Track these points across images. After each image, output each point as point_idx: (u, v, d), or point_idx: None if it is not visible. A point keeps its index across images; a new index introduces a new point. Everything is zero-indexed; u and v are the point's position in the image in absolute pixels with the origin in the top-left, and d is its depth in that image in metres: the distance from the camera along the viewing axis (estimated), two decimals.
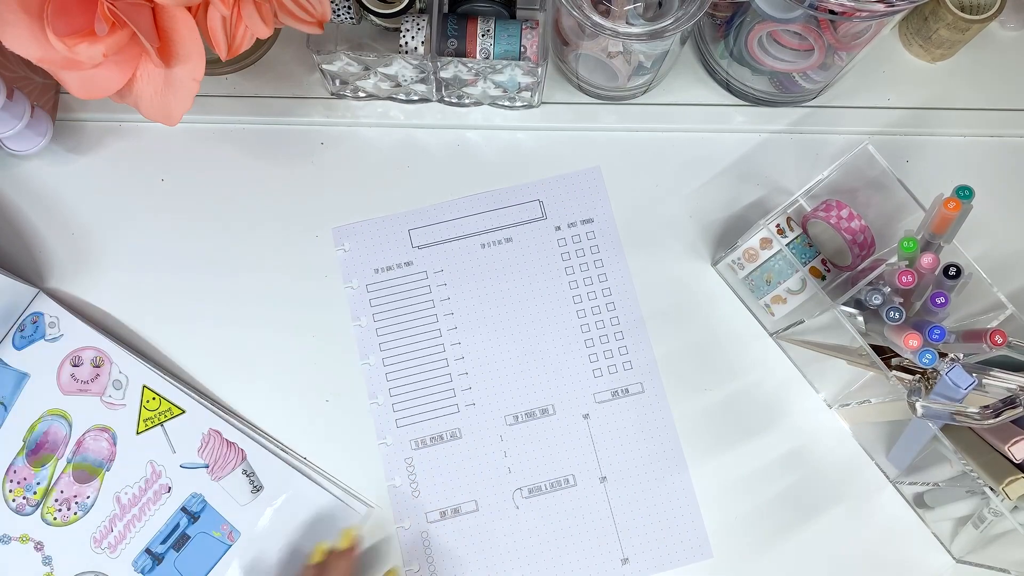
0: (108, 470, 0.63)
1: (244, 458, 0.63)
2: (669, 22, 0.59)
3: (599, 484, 0.65)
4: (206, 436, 0.64)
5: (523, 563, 0.63)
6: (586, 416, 0.66)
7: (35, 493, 0.63)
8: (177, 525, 0.62)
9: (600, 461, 0.65)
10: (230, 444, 0.63)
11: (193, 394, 0.64)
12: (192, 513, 0.63)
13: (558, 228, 0.69)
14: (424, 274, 0.68)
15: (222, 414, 0.64)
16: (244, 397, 0.65)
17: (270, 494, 0.63)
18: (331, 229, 0.68)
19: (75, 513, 0.63)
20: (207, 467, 0.63)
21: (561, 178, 0.70)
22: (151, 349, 0.66)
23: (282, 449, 0.64)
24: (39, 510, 0.63)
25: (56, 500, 0.63)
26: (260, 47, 0.71)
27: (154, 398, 0.64)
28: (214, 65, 0.69)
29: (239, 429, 0.64)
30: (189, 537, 0.62)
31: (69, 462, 0.63)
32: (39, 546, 0.62)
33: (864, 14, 0.56)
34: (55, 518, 0.62)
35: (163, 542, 0.62)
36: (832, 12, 0.57)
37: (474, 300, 0.67)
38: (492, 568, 0.63)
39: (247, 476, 0.63)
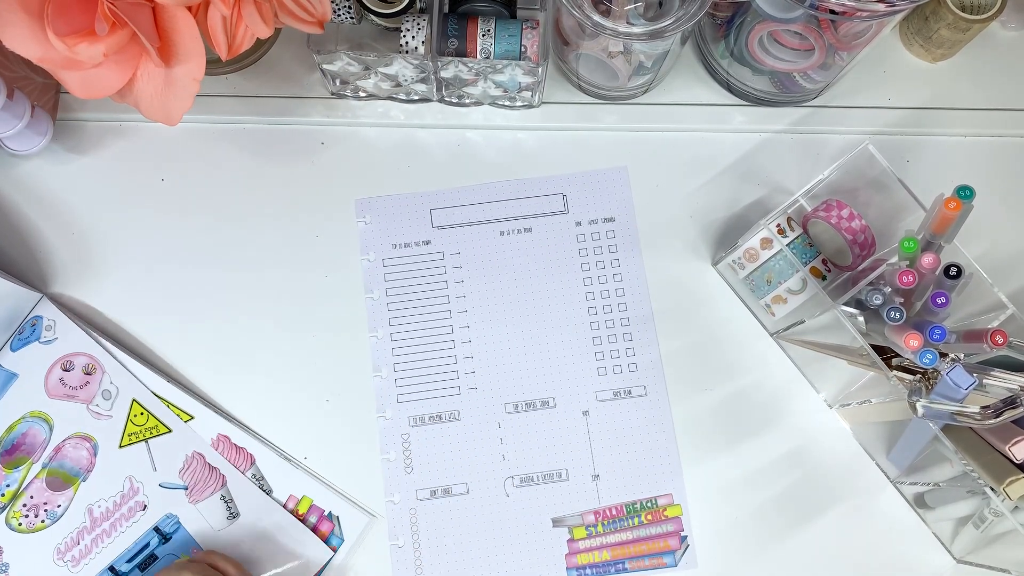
0: (84, 480, 0.61)
1: (224, 484, 0.62)
2: (669, 22, 0.59)
3: (591, 481, 0.65)
4: (189, 458, 0.62)
5: (509, 550, 0.63)
6: (586, 413, 0.66)
7: (3, 495, 0.61)
8: (147, 544, 0.61)
9: (595, 459, 0.65)
10: (212, 469, 0.62)
11: (182, 393, 0.64)
12: (164, 534, 0.61)
13: (579, 224, 0.69)
14: (441, 255, 0.68)
15: (203, 420, 0.63)
16: (244, 391, 0.65)
17: (246, 523, 0.62)
18: (354, 200, 0.69)
19: (42, 521, 0.61)
20: (186, 489, 0.62)
21: (587, 174, 0.70)
22: (149, 350, 0.66)
23: (284, 455, 0.64)
24: (4, 514, 0.60)
25: (24, 505, 0.61)
26: (260, 47, 0.71)
27: (142, 413, 0.63)
28: (214, 65, 0.69)
29: (221, 438, 0.63)
30: (157, 558, 0.61)
31: (44, 467, 0.61)
32: None
33: (865, 14, 0.56)
34: (20, 524, 0.60)
35: (129, 560, 0.61)
36: (833, 12, 0.56)
37: (487, 286, 0.68)
38: (477, 551, 0.63)
39: (225, 502, 0.62)
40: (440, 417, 0.66)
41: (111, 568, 0.60)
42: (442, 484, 0.64)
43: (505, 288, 0.68)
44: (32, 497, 0.61)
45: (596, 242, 0.69)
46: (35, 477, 0.61)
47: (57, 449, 0.62)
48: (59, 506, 0.61)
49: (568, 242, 0.69)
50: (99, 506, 0.61)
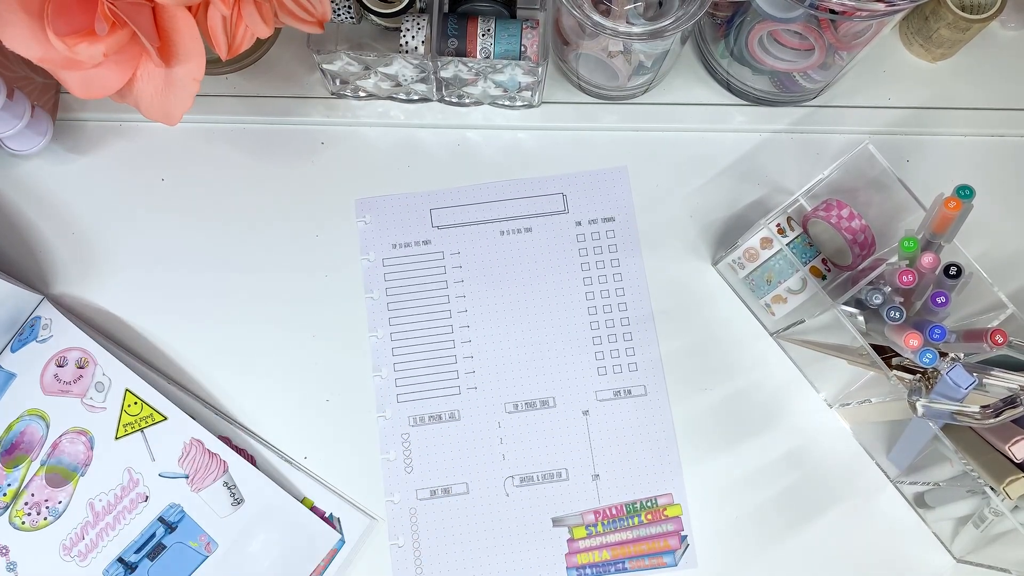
0: (83, 475, 0.61)
1: (226, 470, 0.62)
2: (669, 22, 0.59)
3: (591, 481, 0.65)
4: (187, 445, 0.62)
5: (509, 550, 0.63)
6: (586, 413, 0.66)
7: (4, 495, 0.61)
8: (153, 534, 0.61)
9: (595, 458, 0.65)
10: (212, 455, 0.62)
11: (183, 396, 0.64)
12: (169, 523, 0.61)
13: (579, 223, 0.69)
14: (441, 254, 0.68)
15: (205, 424, 0.63)
16: (244, 391, 0.65)
17: (251, 508, 0.61)
18: (354, 200, 0.69)
19: (45, 518, 0.60)
20: (187, 477, 0.61)
21: (587, 174, 0.70)
22: (149, 350, 0.66)
23: (285, 457, 0.64)
24: (7, 513, 0.60)
25: (26, 504, 0.60)
26: (260, 47, 0.71)
27: (136, 403, 0.62)
28: (214, 65, 0.69)
29: (222, 439, 0.63)
30: (165, 547, 0.61)
31: (43, 464, 0.61)
32: (3, 551, 0.60)
33: (865, 14, 0.56)
34: (23, 522, 0.60)
35: (137, 551, 0.60)
36: (833, 12, 0.57)
37: (487, 286, 0.68)
38: (477, 551, 0.63)
39: (228, 488, 0.62)
40: (440, 417, 0.66)
41: (120, 559, 0.60)
42: (442, 484, 0.64)
43: (505, 288, 0.68)
44: (33, 495, 0.61)
45: (596, 242, 0.69)
46: (35, 475, 0.61)
47: (54, 445, 0.62)
48: (60, 502, 0.61)
49: (568, 242, 0.69)
50: (100, 500, 0.61)
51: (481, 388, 0.66)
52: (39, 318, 0.65)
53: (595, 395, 0.66)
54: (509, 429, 0.65)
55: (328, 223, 0.69)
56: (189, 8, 0.52)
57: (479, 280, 0.68)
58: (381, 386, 0.66)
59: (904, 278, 0.53)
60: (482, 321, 0.67)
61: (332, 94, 0.71)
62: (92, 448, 0.62)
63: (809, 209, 0.65)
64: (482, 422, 0.66)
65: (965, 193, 0.52)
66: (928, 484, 0.63)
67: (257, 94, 0.71)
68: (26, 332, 0.64)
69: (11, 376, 0.63)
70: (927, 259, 0.53)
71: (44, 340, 0.63)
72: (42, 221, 0.68)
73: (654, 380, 0.67)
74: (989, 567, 0.62)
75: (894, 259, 0.59)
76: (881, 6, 0.55)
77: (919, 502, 0.65)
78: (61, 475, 0.61)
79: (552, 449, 0.65)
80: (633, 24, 0.60)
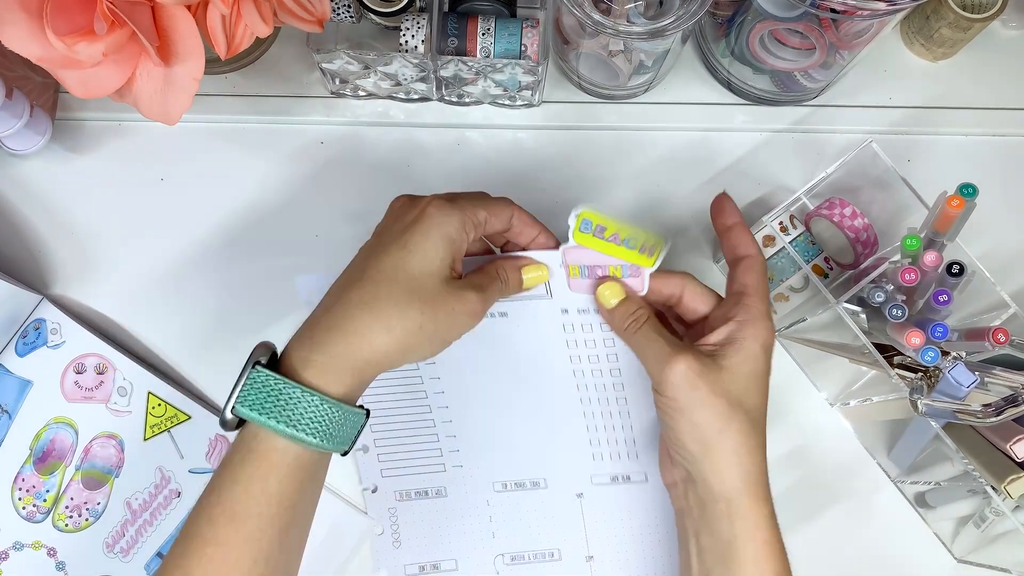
0: (117, 476, 0.63)
1: None
2: (670, 20, 0.59)
3: (585, 563, 0.63)
4: (213, 441, 0.63)
5: None
6: (580, 495, 0.63)
7: (45, 500, 0.62)
8: None
9: (589, 540, 0.63)
10: None
11: (192, 403, 0.64)
12: None
13: (565, 311, 0.58)
14: None
15: (207, 437, 0.63)
16: None
17: None
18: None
19: (87, 519, 0.62)
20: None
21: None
22: (150, 352, 0.66)
23: None
24: (50, 517, 0.62)
25: (67, 507, 0.62)
26: (260, 46, 0.71)
27: (159, 404, 0.64)
28: (213, 64, 0.69)
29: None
30: None
31: (78, 469, 0.63)
32: (52, 552, 0.62)
33: (866, 13, 0.56)
34: (67, 524, 0.62)
35: None
36: (834, 11, 0.56)
37: (464, 367, 0.62)
38: None
39: None
40: (426, 493, 0.63)
41: (159, 554, 0.62)
42: (431, 560, 0.62)
43: (484, 370, 0.61)
44: (72, 499, 0.63)
45: (586, 324, 0.59)
46: (71, 480, 0.63)
47: (86, 450, 0.63)
48: (99, 503, 0.63)
49: (552, 328, 0.59)
50: (136, 499, 0.63)
51: (467, 466, 0.63)
52: (43, 321, 0.64)
53: (590, 479, 0.63)
54: (499, 508, 0.63)
55: (328, 223, 0.69)
56: (188, 7, 0.52)
57: (454, 361, 0.61)
58: (365, 461, 0.64)
59: (906, 276, 0.53)
60: (460, 400, 0.62)
61: (332, 93, 0.70)
62: (123, 450, 0.63)
63: (812, 207, 0.65)
64: (470, 499, 0.63)
65: (968, 191, 0.52)
66: (929, 483, 0.63)
67: (257, 93, 0.70)
68: (31, 335, 0.64)
69: (27, 383, 0.64)
70: (929, 257, 0.53)
71: (56, 346, 0.64)
72: (41, 221, 0.68)
73: (656, 467, 0.59)
74: (989, 567, 0.62)
75: (896, 257, 0.59)
76: (882, 5, 0.55)
77: (920, 502, 0.65)
78: (96, 478, 0.63)
79: (544, 529, 0.63)
80: (634, 23, 0.60)
